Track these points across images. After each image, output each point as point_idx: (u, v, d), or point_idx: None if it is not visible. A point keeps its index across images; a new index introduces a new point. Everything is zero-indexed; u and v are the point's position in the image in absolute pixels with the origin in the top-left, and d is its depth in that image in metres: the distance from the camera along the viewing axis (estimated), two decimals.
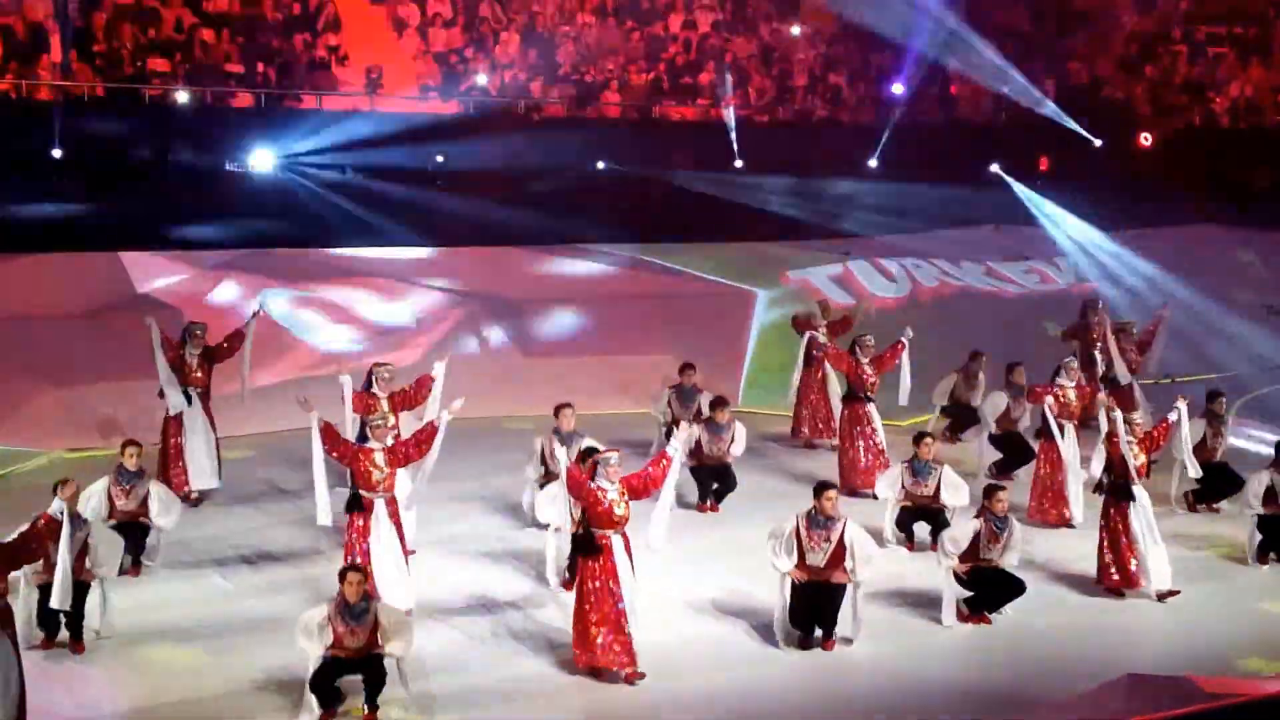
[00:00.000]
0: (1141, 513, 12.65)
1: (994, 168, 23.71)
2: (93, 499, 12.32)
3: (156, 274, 18.53)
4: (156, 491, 12.57)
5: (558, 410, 13.44)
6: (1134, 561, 12.69)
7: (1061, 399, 14.49)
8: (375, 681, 10.01)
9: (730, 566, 12.98)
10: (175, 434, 14.36)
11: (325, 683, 9.95)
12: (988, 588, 12.06)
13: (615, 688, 10.70)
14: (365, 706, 10.07)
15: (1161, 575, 12.57)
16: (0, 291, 17.25)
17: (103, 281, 18.09)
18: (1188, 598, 12.61)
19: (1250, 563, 13.42)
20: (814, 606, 11.39)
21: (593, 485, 10.79)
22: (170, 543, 12.75)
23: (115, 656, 11.00)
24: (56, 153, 18.04)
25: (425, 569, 12.57)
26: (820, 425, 16.81)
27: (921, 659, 11.47)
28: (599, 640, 10.72)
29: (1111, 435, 12.81)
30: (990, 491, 12.25)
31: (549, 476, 13.34)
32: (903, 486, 13.61)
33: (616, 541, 10.80)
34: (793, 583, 11.38)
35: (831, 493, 11.44)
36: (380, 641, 10.00)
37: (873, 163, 22.63)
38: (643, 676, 10.71)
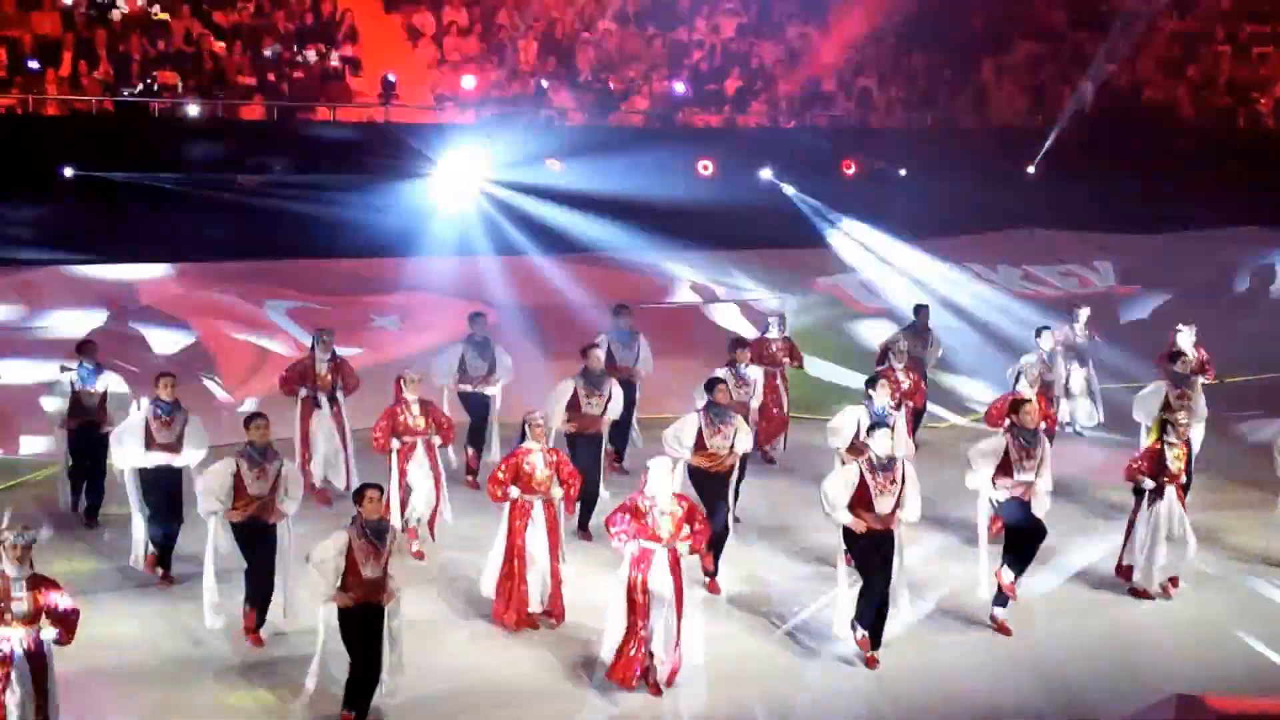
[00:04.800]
0: (1155, 514, 12.20)
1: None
2: (129, 435, 12.29)
3: (164, 286, 18.30)
4: (194, 421, 12.47)
5: (586, 350, 14.00)
6: (1128, 557, 12.48)
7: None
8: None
9: (760, 576, 12.76)
10: (311, 430, 14.43)
11: (358, 641, 9.85)
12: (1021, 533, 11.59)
13: (640, 699, 10.48)
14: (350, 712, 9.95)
15: (1161, 571, 12.36)
16: (8, 305, 17.07)
17: (111, 294, 17.88)
18: (1230, 611, 12.21)
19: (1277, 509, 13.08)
20: (883, 566, 10.97)
21: (642, 494, 10.58)
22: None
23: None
24: (68, 171, 17.68)
25: (446, 573, 12.69)
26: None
27: (960, 677, 11.04)
28: (630, 653, 10.49)
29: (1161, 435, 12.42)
30: (1017, 405, 11.74)
31: (574, 419, 13.70)
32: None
33: (660, 555, 10.42)
34: (857, 550, 10.94)
35: (885, 432, 11.02)
36: (389, 575, 9.88)
37: (903, 171, 21.96)
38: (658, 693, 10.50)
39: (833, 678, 10.96)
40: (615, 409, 14.13)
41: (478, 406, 15.19)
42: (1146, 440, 13.86)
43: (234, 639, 11.29)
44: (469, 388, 15.13)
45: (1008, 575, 11.73)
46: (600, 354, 14.25)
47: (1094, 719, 10.42)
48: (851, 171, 21.71)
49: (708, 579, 12.47)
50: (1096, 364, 17.47)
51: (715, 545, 12.33)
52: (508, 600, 11.66)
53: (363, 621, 9.85)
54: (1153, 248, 22.56)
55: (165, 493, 12.49)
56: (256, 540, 11.27)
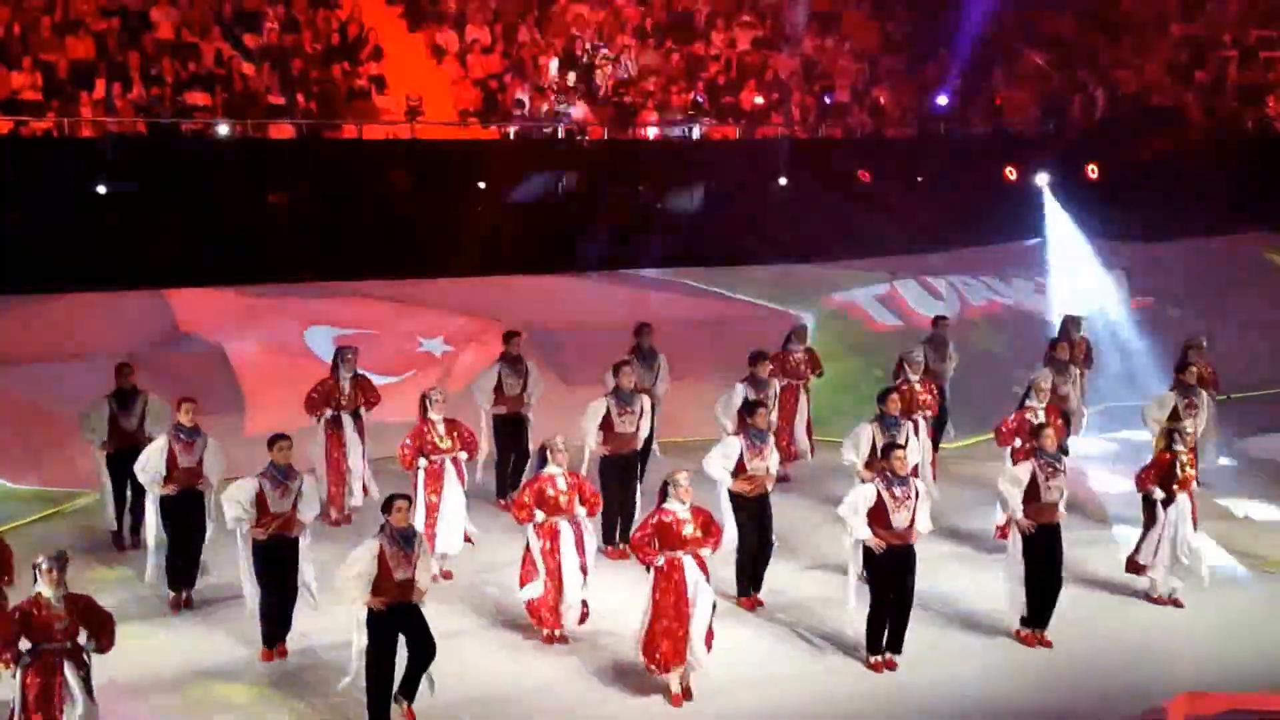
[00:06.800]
0: (1170, 521, 12.49)
1: (1042, 179, 23.20)
2: (152, 459, 12.70)
3: (201, 309, 18.43)
4: (214, 445, 12.88)
5: (617, 368, 14.11)
6: (1141, 555, 12.77)
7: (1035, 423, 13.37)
8: (422, 649, 10.34)
9: (782, 580, 13.02)
10: (336, 455, 14.86)
11: (380, 651, 10.33)
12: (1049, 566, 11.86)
13: (663, 707, 10.81)
14: (406, 703, 10.45)
15: (1170, 582, 12.63)
16: (44, 332, 17.19)
17: (146, 319, 18.04)
18: (1240, 610, 12.55)
19: None
20: (898, 583, 11.36)
21: (665, 508, 10.92)
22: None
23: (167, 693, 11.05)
24: (100, 189, 18.07)
25: (471, 590, 12.95)
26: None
27: (974, 679, 11.46)
28: (662, 648, 10.83)
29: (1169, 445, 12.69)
30: (1039, 430, 12.01)
31: (609, 440, 13.86)
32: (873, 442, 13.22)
33: (688, 562, 10.79)
34: (875, 568, 11.30)
35: (900, 452, 11.36)
36: (417, 579, 10.35)
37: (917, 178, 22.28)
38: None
39: (854, 685, 11.30)
40: (648, 426, 14.34)
41: (512, 431, 15.42)
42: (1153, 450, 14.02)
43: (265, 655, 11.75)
44: (504, 410, 15.38)
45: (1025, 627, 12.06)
46: (632, 371, 14.41)
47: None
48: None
49: (752, 593, 12.84)
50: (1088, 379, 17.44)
51: (757, 565, 12.79)
52: (540, 615, 12.09)
53: (391, 622, 10.34)
54: (1164, 256, 22.77)
55: (187, 517, 12.83)
56: (282, 554, 11.72)
